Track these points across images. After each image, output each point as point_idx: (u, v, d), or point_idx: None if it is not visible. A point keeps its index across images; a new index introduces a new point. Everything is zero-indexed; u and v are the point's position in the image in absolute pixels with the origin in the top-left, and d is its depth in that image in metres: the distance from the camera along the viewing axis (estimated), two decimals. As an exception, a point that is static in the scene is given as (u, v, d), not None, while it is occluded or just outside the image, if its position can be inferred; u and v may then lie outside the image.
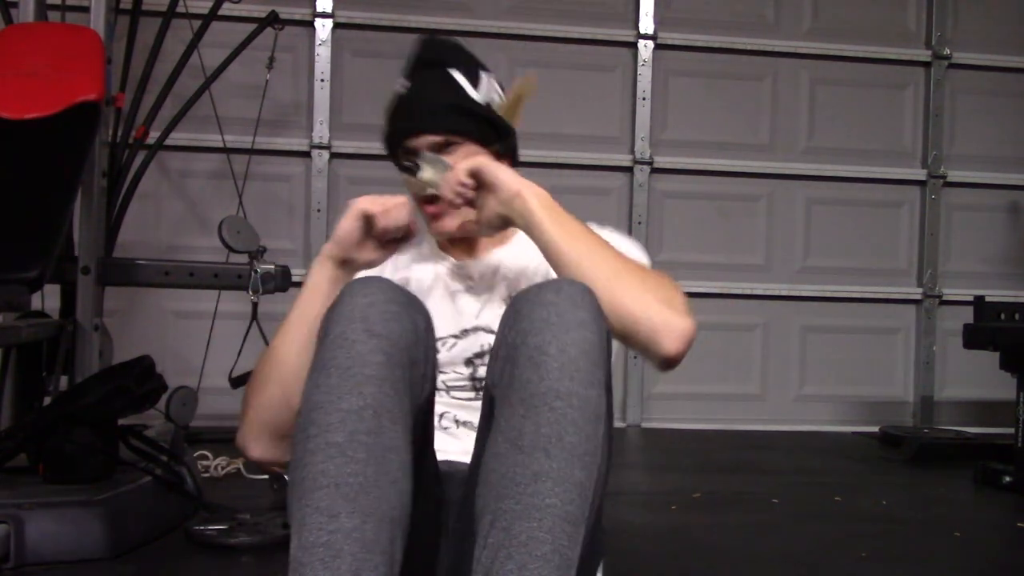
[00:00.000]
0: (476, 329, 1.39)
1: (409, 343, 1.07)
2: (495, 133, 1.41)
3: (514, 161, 1.45)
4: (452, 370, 1.36)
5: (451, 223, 1.39)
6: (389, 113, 1.42)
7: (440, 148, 1.37)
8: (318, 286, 1.27)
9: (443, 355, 1.33)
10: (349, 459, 0.99)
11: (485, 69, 1.43)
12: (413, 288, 1.35)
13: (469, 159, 1.30)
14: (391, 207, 1.26)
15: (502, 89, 1.45)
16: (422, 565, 1.15)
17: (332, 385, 1.02)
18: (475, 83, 1.40)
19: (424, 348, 1.10)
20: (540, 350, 1.02)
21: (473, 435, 1.27)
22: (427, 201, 1.38)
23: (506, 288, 1.42)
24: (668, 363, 1.23)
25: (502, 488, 0.99)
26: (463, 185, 1.28)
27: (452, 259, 1.46)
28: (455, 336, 1.38)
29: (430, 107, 1.38)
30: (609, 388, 1.09)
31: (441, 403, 1.30)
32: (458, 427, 1.35)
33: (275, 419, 1.27)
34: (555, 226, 1.25)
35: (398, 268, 1.45)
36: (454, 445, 1.31)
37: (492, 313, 1.37)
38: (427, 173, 1.33)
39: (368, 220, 1.25)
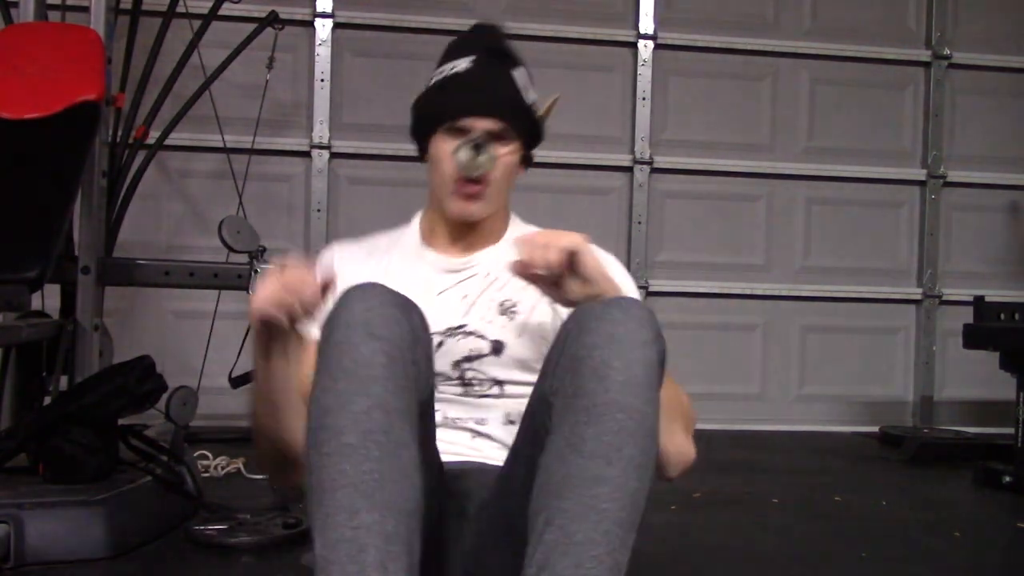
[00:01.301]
0: (463, 331, 1.39)
1: (408, 344, 1.09)
2: (535, 139, 1.46)
3: (529, 163, 1.49)
4: (438, 370, 1.34)
5: (483, 209, 1.40)
6: (441, 88, 1.40)
7: (492, 136, 1.36)
8: (258, 364, 1.23)
9: None
10: (364, 457, 1.02)
11: (531, 74, 1.46)
12: (394, 283, 1.33)
13: (572, 237, 1.19)
14: (295, 296, 1.15)
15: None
16: (433, 552, 1.18)
17: (340, 389, 1.05)
18: (528, 88, 1.43)
19: (423, 349, 1.13)
20: (606, 364, 1.06)
21: (461, 433, 1.35)
22: (470, 180, 1.36)
23: (494, 292, 1.41)
24: (661, 480, 1.29)
25: (561, 489, 1.03)
26: (556, 263, 1.17)
27: (435, 252, 1.46)
28: (440, 334, 1.37)
29: (498, 95, 1.39)
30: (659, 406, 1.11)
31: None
32: (446, 419, 1.36)
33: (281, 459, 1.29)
34: None
35: (380, 263, 1.44)
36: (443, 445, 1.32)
37: (478, 316, 1.39)
38: (486, 157, 1.33)
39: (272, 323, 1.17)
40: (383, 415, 1.04)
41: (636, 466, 1.05)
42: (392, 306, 1.10)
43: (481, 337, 1.38)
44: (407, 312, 1.11)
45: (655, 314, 1.12)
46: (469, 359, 1.38)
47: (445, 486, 1.25)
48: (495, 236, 1.46)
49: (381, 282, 1.14)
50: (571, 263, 1.18)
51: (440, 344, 1.37)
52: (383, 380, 1.05)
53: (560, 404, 1.08)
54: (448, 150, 1.36)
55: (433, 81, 1.42)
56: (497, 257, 1.42)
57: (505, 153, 1.38)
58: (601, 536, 1.01)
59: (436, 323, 1.32)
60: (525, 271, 1.20)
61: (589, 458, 1.03)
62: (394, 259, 1.45)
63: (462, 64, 1.39)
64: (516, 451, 1.22)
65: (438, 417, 1.34)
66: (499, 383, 1.38)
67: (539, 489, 1.06)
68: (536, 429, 1.13)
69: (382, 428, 1.04)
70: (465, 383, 1.39)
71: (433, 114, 1.41)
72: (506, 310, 1.40)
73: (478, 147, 1.33)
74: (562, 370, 1.10)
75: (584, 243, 1.19)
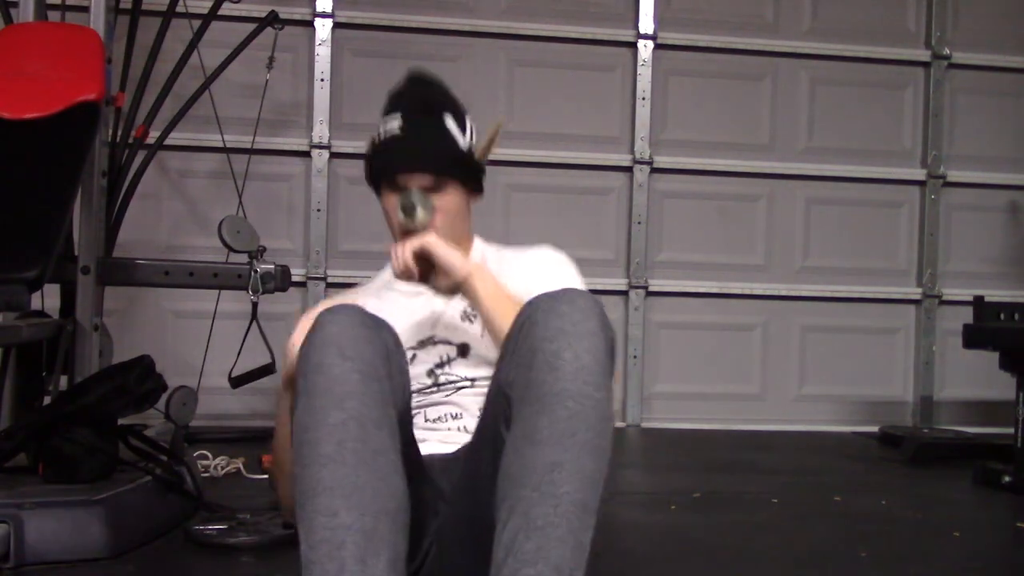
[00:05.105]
0: (434, 341, 1.58)
1: (381, 361, 1.19)
2: (475, 176, 1.62)
3: (480, 191, 1.66)
4: (416, 380, 1.50)
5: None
6: (381, 149, 1.58)
7: (429, 188, 1.53)
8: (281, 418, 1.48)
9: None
10: (340, 464, 1.10)
11: (466, 113, 1.63)
12: (372, 304, 1.50)
13: (415, 240, 1.44)
14: None
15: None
16: (419, 544, 1.30)
17: (316, 407, 1.14)
18: (462, 129, 1.60)
19: (396, 364, 1.23)
20: (556, 355, 1.14)
21: (441, 431, 1.50)
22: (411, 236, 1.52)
23: (457, 303, 1.57)
24: None
25: (521, 478, 1.10)
26: (409, 267, 1.43)
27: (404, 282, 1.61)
28: (413, 348, 1.56)
29: (426, 150, 1.56)
30: (612, 391, 1.20)
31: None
32: (428, 422, 1.53)
33: None
34: (491, 300, 1.43)
35: (366, 301, 1.60)
36: (429, 446, 1.46)
37: (444, 326, 1.58)
38: (420, 215, 1.48)
39: None
40: (358, 426, 1.12)
41: (591, 448, 1.11)
42: (362, 327, 1.19)
43: (448, 343, 1.56)
44: (378, 331, 1.21)
45: (602, 305, 1.21)
46: (440, 364, 1.56)
47: (425, 484, 1.35)
48: (461, 248, 1.58)
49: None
50: (427, 258, 1.42)
51: (414, 356, 1.55)
52: (358, 395, 1.14)
53: (516, 396, 1.16)
54: (393, 205, 1.53)
55: (376, 138, 1.59)
56: None
57: (443, 201, 1.54)
58: (560, 518, 1.07)
59: (411, 339, 1.56)
60: (407, 277, 1.44)
61: (544, 446, 1.10)
62: (370, 294, 1.66)
63: (394, 124, 1.57)
64: (478, 441, 1.31)
65: (419, 421, 1.49)
66: (471, 380, 1.54)
67: (501, 480, 1.13)
68: (495, 420, 1.21)
69: (358, 437, 1.11)
70: (440, 387, 1.54)
71: (375, 172, 1.59)
72: (467, 316, 1.58)
73: (409, 208, 1.47)
74: (516, 364, 1.18)
75: (428, 239, 1.43)
